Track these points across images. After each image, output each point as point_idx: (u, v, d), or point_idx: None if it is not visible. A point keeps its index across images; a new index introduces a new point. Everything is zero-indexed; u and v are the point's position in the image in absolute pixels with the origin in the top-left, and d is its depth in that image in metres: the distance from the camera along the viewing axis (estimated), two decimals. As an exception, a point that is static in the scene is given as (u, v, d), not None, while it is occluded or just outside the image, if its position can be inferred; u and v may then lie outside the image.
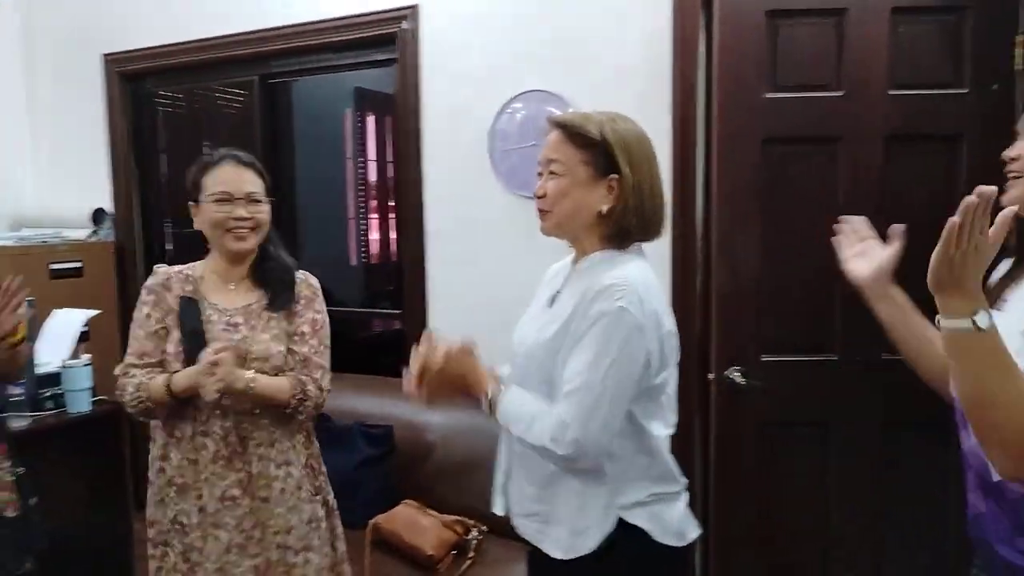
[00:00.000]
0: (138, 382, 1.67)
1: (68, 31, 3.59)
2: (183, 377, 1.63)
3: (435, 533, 2.18)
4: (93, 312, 2.88)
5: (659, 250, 1.96)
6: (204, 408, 1.67)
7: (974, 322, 0.95)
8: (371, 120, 5.18)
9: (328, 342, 1.84)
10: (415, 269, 2.82)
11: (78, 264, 3.27)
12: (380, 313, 4.21)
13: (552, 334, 1.35)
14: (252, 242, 1.75)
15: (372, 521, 2.26)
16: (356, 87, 4.71)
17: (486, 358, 2.50)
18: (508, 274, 2.63)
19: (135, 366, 1.71)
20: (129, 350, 1.73)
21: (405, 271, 2.88)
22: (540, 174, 1.42)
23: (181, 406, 1.68)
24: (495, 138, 2.60)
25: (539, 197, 1.41)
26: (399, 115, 2.81)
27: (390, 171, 5.26)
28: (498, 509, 1.51)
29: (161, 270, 1.81)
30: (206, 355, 1.58)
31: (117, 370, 1.72)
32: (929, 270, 0.97)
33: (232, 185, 1.71)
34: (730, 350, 2.07)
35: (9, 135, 3.62)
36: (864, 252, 1.43)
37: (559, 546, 1.35)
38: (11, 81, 3.63)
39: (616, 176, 1.33)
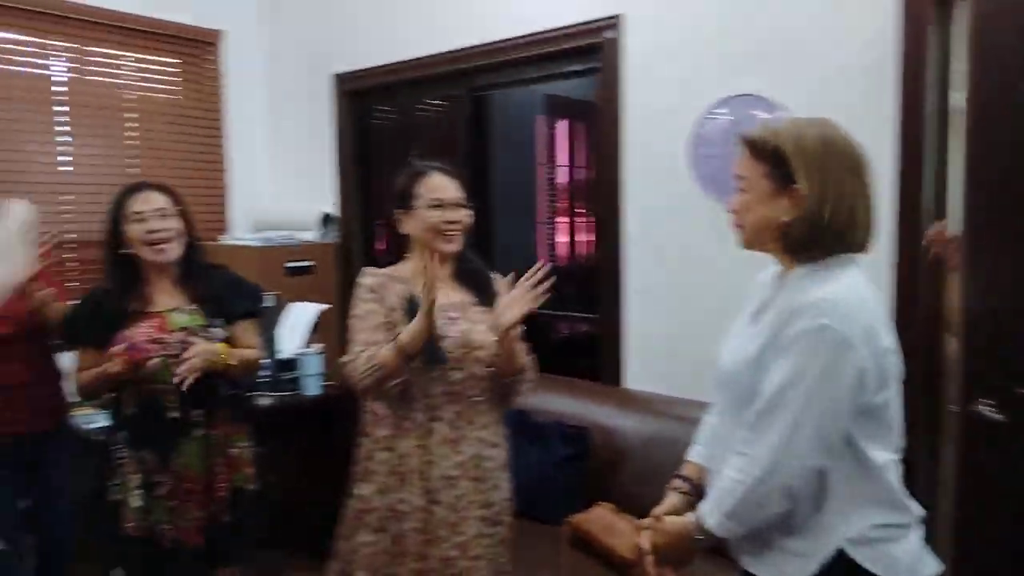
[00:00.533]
0: (369, 354, 1.78)
1: (304, 55, 4.03)
2: (406, 333, 1.73)
3: (631, 538, 2.20)
4: (324, 306, 3.23)
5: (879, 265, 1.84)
6: (436, 395, 1.83)
7: None
8: (561, 125, 5.31)
9: None
10: (611, 273, 2.86)
11: (310, 263, 3.67)
12: (573, 316, 4.30)
13: (756, 352, 1.33)
14: (459, 244, 1.91)
15: (569, 520, 2.32)
16: (547, 94, 4.85)
17: (681, 365, 2.45)
18: (707, 280, 2.60)
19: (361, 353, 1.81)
20: (357, 341, 1.83)
21: (601, 275, 2.93)
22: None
23: (408, 396, 1.82)
24: (697, 144, 2.57)
25: (732, 212, 1.41)
26: (599, 122, 2.86)
27: (579, 175, 5.37)
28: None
29: (378, 272, 1.96)
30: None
31: (345, 358, 1.85)
32: None
33: (444, 192, 1.88)
34: (979, 380, 1.86)
35: (253, 148, 4.14)
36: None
37: (773, 571, 1.33)
38: (256, 101, 4.15)
39: (795, 187, 1.29)
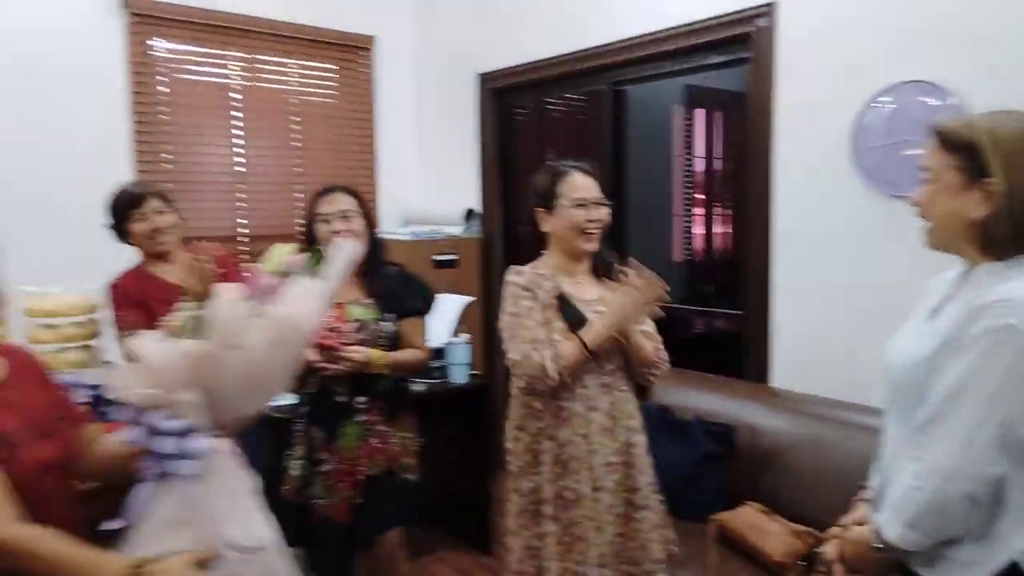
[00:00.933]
0: (552, 353, 1.84)
1: (450, 56, 4.19)
2: (593, 334, 1.85)
3: (783, 539, 2.16)
4: (469, 298, 3.36)
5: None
6: (592, 386, 1.90)
7: None
8: (699, 115, 5.20)
9: None
10: (759, 268, 2.79)
11: (455, 256, 3.82)
12: (712, 311, 4.22)
13: (930, 350, 1.27)
14: (598, 242, 1.97)
15: (715, 518, 2.31)
16: (686, 84, 4.76)
17: (832, 366, 2.35)
18: (863, 278, 2.49)
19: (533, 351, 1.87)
20: (521, 339, 1.88)
21: (747, 269, 2.86)
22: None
23: (565, 389, 1.89)
24: (859, 135, 2.46)
25: (915, 205, 1.36)
26: (749, 113, 2.79)
27: (717, 167, 5.24)
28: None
29: (524, 270, 2.01)
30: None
31: (515, 356, 1.88)
32: None
33: (587, 191, 1.94)
34: None
35: (402, 146, 4.35)
36: None
37: None
38: (405, 102, 4.36)
39: (989, 180, 1.22)
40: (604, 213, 1.97)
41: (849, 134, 2.47)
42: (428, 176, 4.39)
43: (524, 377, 1.87)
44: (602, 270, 2.03)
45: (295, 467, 2.22)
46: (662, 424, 2.67)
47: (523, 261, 2.07)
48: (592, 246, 1.97)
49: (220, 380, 1.18)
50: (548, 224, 1.98)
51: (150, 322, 2.06)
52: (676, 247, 5.21)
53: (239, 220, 3.79)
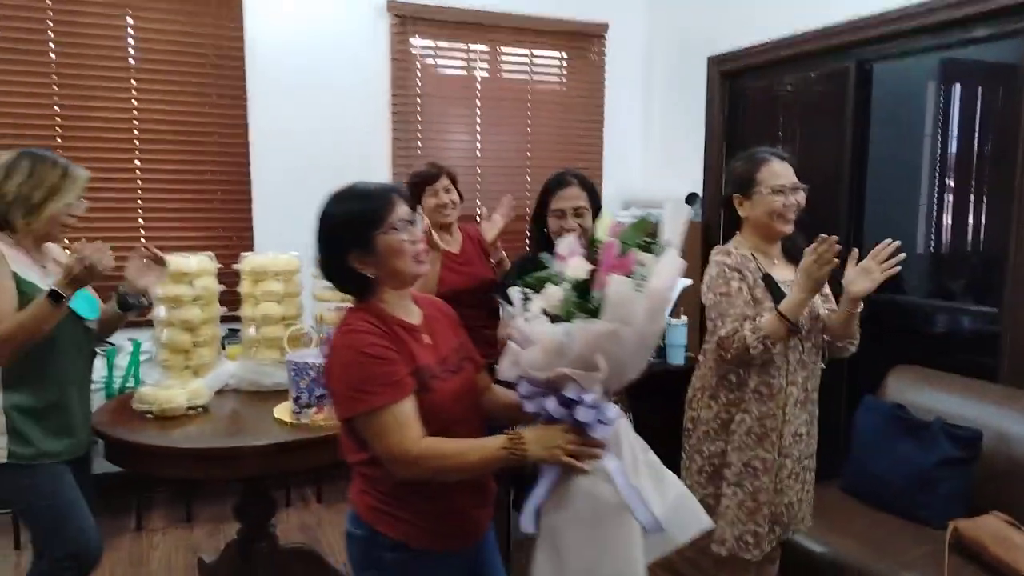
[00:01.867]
0: (752, 326, 1.92)
1: (680, 40, 4.20)
2: (787, 303, 1.89)
3: (1032, 554, 2.00)
4: (688, 281, 3.39)
5: None
6: (792, 362, 1.99)
7: None
8: (956, 91, 4.70)
9: None
10: (1021, 262, 2.53)
11: (674, 239, 3.86)
12: (961, 308, 3.85)
13: None
14: (792, 225, 2.02)
15: (953, 523, 2.18)
16: (941, 57, 4.33)
17: None
18: None
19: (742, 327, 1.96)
20: (730, 317, 1.96)
21: (1008, 264, 2.61)
22: None
23: (770, 364, 1.97)
24: None
25: None
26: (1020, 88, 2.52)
27: (974, 149, 4.71)
28: None
29: (731, 250, 2.05)
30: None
31: (724, 332, 1.97)
32: None
33: (786, 178, 2.01)
34: None
35: (629, 131, 4.45)
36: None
37: None
38: (634, 87, 4.45)
39: None
40: (800, 197, 2.02)
41: None
42: (653, 160, 4.45)
43: (732, 351, 1.94)
44: (792, 253, 2.06)
45: None
46: (897, 422, 2.55)
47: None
48: (789, 229, 2.03)
49: (619, 353, 1.35)
50: (746, 209, 2.06)
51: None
52: (921, 237, 4.79)
53: (476, 202, 4.14)
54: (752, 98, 3.93)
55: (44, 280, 1.99)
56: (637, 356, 1.38)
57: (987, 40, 2.79)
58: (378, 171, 3.94)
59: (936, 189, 4.71)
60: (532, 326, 1.37)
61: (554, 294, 1.38)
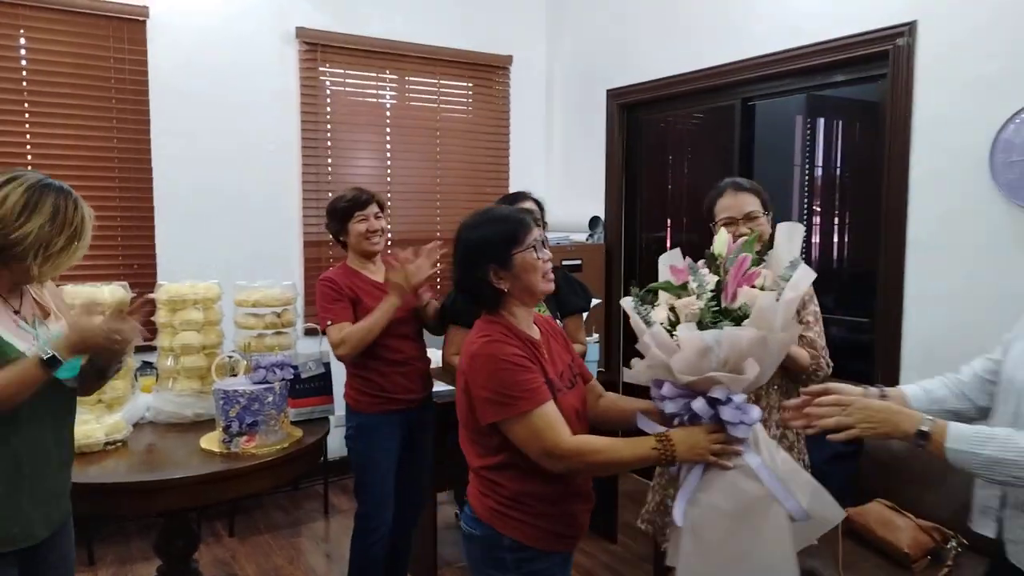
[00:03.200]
0: None
1: (580, 73, 4.45)
2: None
3: (911, 534, 2.27)
4: (597, 300, 3.58)
5: None
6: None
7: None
8: (821, 125, 5.21)
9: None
10: (892, 278, 2.86)
11: (579, 261, 4.07)
12: (837, 319, 4.25)
13: None
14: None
15: (844, 512, 2.43)
16: (809, 94, 4.80)
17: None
18: (1001, 288, 2.54)
19: None
20: None
21: (879, 279, 2.94)
22: None
23: None
24: (998, 148, 2.52)
25: None
26: (888, 127, 2.85)
27: (838, 176, 5.23)
28: (988, 531, 1.49)
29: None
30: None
31: None
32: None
33: (735, 209, 2.05)
34: None
35: (534, 158, 4.65)
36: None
37: None
38: (537, 116, 4.66)
39: None
40: (755, 225, 2.03)
41: (987, 148, 2.54)
42: (557, 186, 4.66)
43: None
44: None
45: None
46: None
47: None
48: None
49: (764, 358, 1.41)
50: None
51: (358, 315, 2.40)
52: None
53: (388, 225, 4.17)
54: (649, 129, 4.21)
55: (18, 332, 1.59)
56: (774, 360, 1.48)
57: (850, 84, 3.14)
58: (287, 197, 3.93)
59: (805, 211, 5.20)
60: (681, 333, 1.43)
61: (689, 303, 1.46)
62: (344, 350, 2.38)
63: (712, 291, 1.47)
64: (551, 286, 1.61)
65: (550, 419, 1.49)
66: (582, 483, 1.65)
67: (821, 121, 5.23)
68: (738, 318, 1.43)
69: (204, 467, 2.13)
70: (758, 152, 4.05)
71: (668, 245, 4.18)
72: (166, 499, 2.10)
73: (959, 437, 1.30)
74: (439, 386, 3.07)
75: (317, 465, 3.68)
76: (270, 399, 2.26)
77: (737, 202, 2.05)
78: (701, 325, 1.43)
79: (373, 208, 2.53)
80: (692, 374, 1.41)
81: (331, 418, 2.63)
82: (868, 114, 3.37)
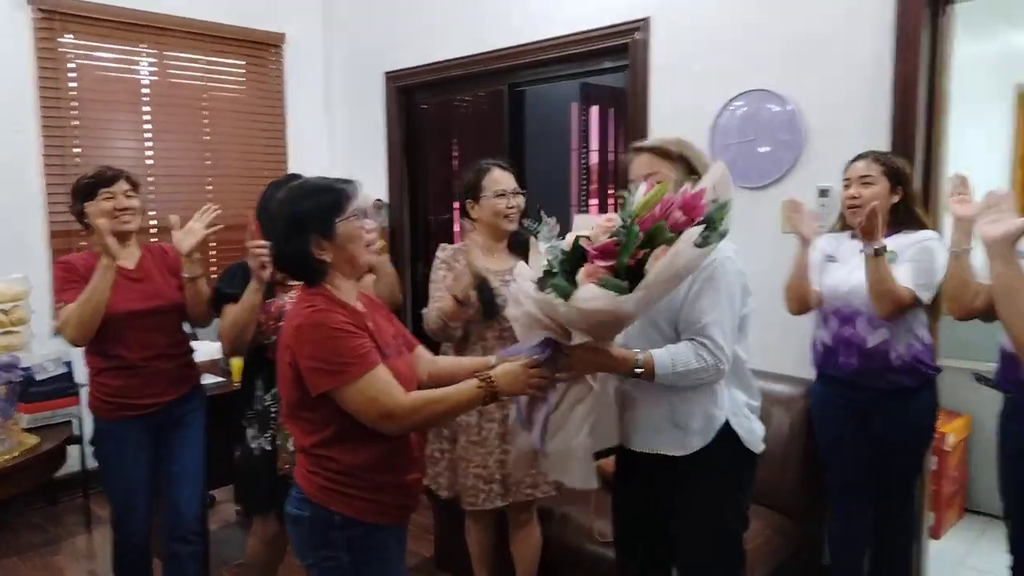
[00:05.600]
0: (437, 306, 2.26)
1: (356, 54, 4.40)
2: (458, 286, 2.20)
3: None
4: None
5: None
6: (489, 339, 2.31)
7: None
8: (595, 112, 5.60)
9: None
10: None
11: (364, 245, 4.04)
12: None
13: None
14: (515, 225, 2.36)
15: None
16: (582, 83, 5.14)
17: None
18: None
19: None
20: (433, 298, 2.32)
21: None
22: None
23: (468, 340, 2.29)
24: (716, 133, 2.87)
25: None
26: (629, 115, 3.16)
27: (611, 159, 5.65)
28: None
29: (447, 247, 2.43)
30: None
31: (424, 311, 2.33)
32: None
33: (507, 183, 2.35)
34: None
35: (313, 140, 4.53)
36: (999, 219, 1.61)
37: (676, 446, 1.73)
38: (315, 97, 4.54)
39: None
40: (519, 201, 2.38)
41: (708, 133, 2.88)
42: (339, 169, 4.57)
43: (427, 325, 2.29)
44: (517, 246, 2.39)
45: (289, 443, 2.24)
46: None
47: (432, 248, 2.40)
48: (512, 227, 2.37)
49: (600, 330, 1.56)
50: (475, 212, 2.38)
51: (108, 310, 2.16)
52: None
53: (149, 212, 3.88)
54: (429, 112, 4.27)
55: None
56: (613, 332, 1.64)
57: (605, 73, 3.41)
58: (26, 183, 3.51)
59: (584, 194, 5.57)
60: (530, 294, 1.60)
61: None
62: (69, 333, 2.15)
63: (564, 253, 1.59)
64: (373, 257, 1.65)
65: (384, 382, 1.49)
66: (414, 450, 1.66)
67: (595, 108, 5.63)
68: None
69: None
70: (538, 137, 4.27)
71: (456, 228, 4.28)
72: None
73: (661, 365, 1.65)
74: (210, 378, 2.94)
75: (77, 475, 3.37)
76: (-7, 405, 2.04)
77: (507, 177, 2.36)
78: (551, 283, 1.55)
79: (122, 185, 2.29)
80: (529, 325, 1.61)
81: (76, 422, 2.42)
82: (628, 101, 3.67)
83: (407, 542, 1.75)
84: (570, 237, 1.61)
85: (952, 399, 3.29)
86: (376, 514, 1.57)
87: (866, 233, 2.05)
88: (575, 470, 1.68)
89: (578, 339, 1.57)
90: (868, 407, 2.25)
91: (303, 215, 1.55)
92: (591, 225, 1.56)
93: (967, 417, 3.33)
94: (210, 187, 4.11)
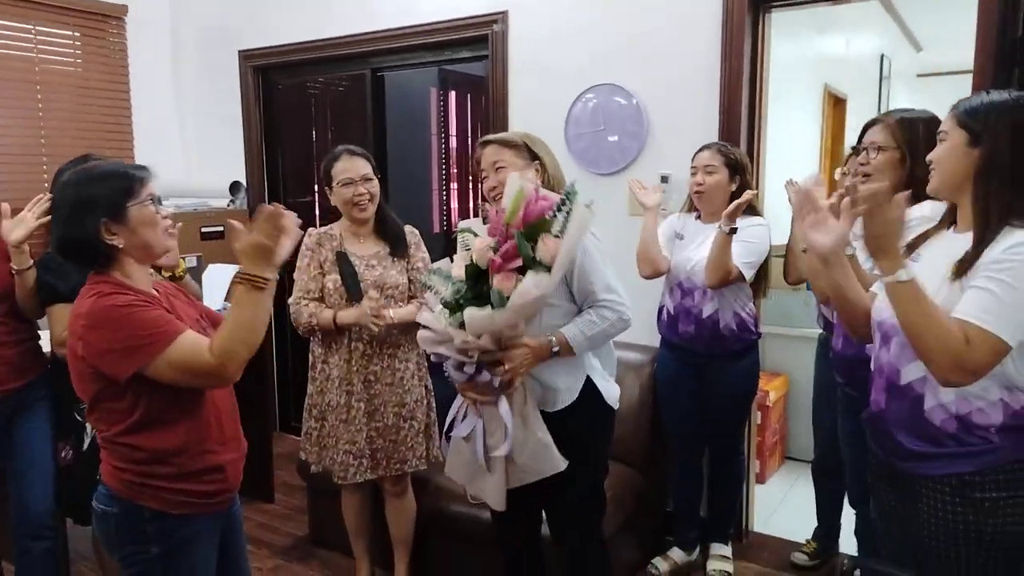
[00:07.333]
0: (310, 311, 2.32)
1: (209, 31, 4.23)
2: (348, 316, 2.28)
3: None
4: (237, 267, 3.53)
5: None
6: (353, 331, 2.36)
7: (897, 277, 1.31)
8: (453, 97, 5.71)
9: None
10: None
11: (221, 228, 3.94)
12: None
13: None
14: (370, 211, 2.41)
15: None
16: (440, 68, 5.22)
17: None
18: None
19: (304, 299, 2.36)
20: (296, 288, 2.38)
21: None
22: None
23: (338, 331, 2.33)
24: (570, 123, 3.08)
25: None
26: (490, 103, 3.31)
27: (470, 145, 5.80)
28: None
29: (313, 232, 2.43)
30: (366, 304, 2.24)
31: (290, 300, 2.36)
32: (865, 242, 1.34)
33: (353, 172, 2.35)
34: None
35: (162, 118, 4.31)
36: (821, 222, 1.41)
37: (548, 404, 1.91)
38: (161, 74, 4.32)
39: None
40: (370, 187, 2.37)
41: (563, 122, 3.08)
42: (193, 150, 4.41)
43: (292, 317, 2.39)
44: (384, 231, 2.46)
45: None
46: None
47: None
48: (363, 215, 2.38)
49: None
50: (332, 199, 2.41)
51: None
52: (435, 220, 5.69)
53: (-23, 194, 3.57)
54: (288, 94, 4.20)
55: None
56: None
57: (466, 62, 3.54)
58: None
59: (444, 177, 5.67)
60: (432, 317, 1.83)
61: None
62: None
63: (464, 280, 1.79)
64: (173, 242, 1.62)
65: (190, 342, 1.44)
66: (228, 427, 1.63)
67: (453, 94, 5.73)
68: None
69: None
70: (399, 121, 4.32)
71: (317, 210, 4.26)
72: None
73: (572, 336, 1.85)
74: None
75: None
76: None
77: (353, 165, 2.36)
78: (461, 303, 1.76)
79: None
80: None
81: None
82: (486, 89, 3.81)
83: (239, 520, 1.76)
84: (456, 267, 1.84)
85: (773, 361, 3.77)
86: (187, 504, 1.54)
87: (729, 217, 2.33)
88: (554, 455, 1.85)
89: (486, 343, 1.73)
90: (703, 367, 2.57)
91: (92, 198, 1.49)
92: (467, 245, 1.83)
93: (785, 376, 3.81)
94: (45, 166, 3.83)
